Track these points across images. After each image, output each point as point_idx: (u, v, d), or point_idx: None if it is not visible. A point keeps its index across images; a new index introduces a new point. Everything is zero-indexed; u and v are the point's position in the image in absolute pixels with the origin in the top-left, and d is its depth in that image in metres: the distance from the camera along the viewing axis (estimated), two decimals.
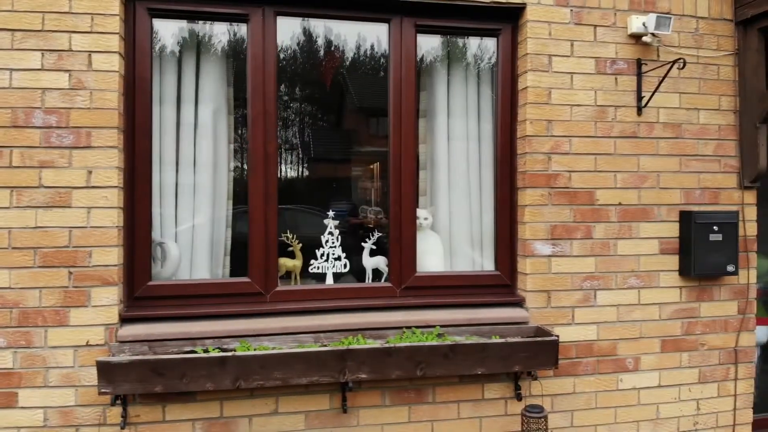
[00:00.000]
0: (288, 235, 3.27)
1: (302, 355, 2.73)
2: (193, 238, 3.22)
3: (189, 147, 3.22)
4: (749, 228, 3.56)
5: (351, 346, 2.78)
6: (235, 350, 2.84)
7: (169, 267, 3.11)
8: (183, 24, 3.19)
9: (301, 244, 3.29)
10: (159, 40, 3.16)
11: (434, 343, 2.88)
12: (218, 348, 2.88)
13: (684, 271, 3.43)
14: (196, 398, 2.87)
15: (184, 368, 2.66)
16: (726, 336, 3.53)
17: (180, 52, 3.23)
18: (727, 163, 3.55)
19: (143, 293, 2.96)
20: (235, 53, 3.33)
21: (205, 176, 3.24)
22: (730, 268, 3.42)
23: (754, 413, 3.64)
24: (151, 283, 2.99)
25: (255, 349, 2.85)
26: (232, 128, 3.38)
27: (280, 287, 3.13)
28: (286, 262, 3.24)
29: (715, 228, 3.40)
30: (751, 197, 3.59)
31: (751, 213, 3.58)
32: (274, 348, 2.87)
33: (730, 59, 3.57)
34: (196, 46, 3.25)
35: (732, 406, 3.55)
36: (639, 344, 3.40)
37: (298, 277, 3.27)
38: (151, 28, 3.03)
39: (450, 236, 3.56)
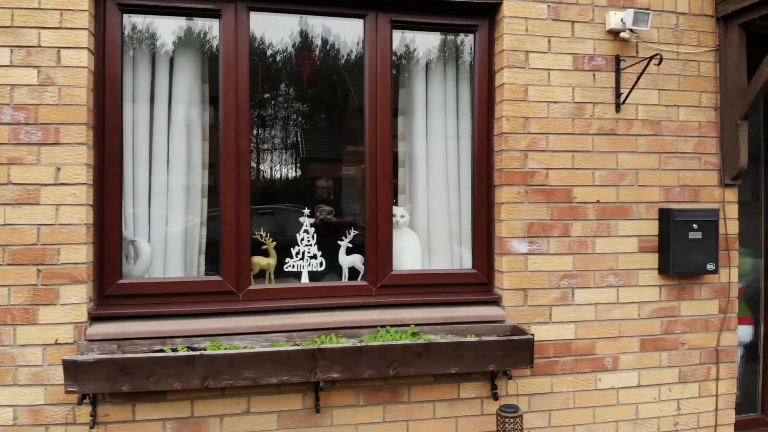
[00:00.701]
0: (261, 233, 3.24)
1: (272, 355, 2.71)
2: (167, 236, 3.20)
3: (162, 144, 3.19)
4: (730, 226, 3.53)
5: (322, 345, 2.75)
6: (205, 349, 2.82)
7: (140, 265, 3.09)
8: (154, 19, 3.16)
9: (275, 243, 3.26)
10: (130, 36, 3.13)
11: (407, 341, 2.86)
12: (188, 347, 2.85)
13: (663, 270, 3.40)
14: (167, 397, 2.85)
15: (151, 367, 2.63)
16: (707, 335, 3.50)
17: (152, 47, 3.20)
18: (707, 160, 3.52)
19: (114, 291, 2.94)
20: (208, 49, 3.30)
21: (178, 174, 3.21)
22: (710, 266, 3.39)
23: (737, 414, 3.61)
24: (121, 281, 2.96)
25: (226, 349, 2.83)
26: (207, 125, 3.35)
27: (253, 286, 3.11)
28: (259, 261, 3.21)
29: (695, 226, 3.37)
30: (732, 195, 3.55)
31: (732, 211, 3.55)
32: (245, 347, 2.85)
33: (710, 55, 3.54)
34: (169, 41, 3.23)
35: (713, 406, 3.52)
36: (618, 343, 3.37)
37: (272, 276, 3.24)
38: (122, 23, 3.01)
39: (428, 234, 3.53)
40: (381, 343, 2.80)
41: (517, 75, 3.26)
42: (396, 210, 3.33)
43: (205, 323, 2.94)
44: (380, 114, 3.25)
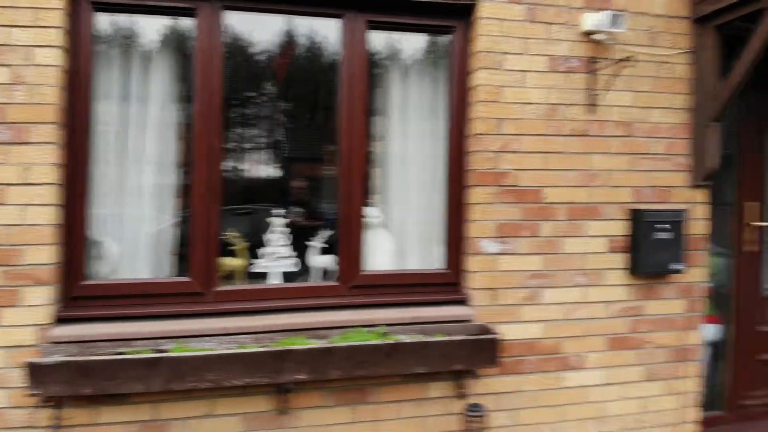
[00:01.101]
0: (231, 233, 3.22)
1: (237, 357, 2.70)
2: (137, 236, 3.16)
3: (133, 143, 3.13)
4: (699, 227, 3.57)
5: (289, 347, 2.76)
6: (169, 351, 2.81)
7: (108, 266, 3.05)
8: (128, 18, 3.08)
9: (245, 243, 3.24)
10: (103, 34, 3.06)
11: (375, 342, 2.87)
12: (153, 349, 2.84)
13: (631, 269, 3.44)
14: (131, 400, 2.83)
15: (113, 370, 2.61)
16: (673, 334, 3.56)
17: (125, 46, 3.13)
18: (678, 161, 3.55)
19: (79, 293, 2.90)
20: (183, 47, 3.23)
21: (150, 173, 3.16)
22: (677, 266, 3.43)
23: (704, 411, 3.69)
24: (87, 282, 2.93)
25: (191, 350, 2.82)
26: (180, 124, 3.29)
27: (222, 287, 3.09)
28: (229, 262, 3.19)
29: (663, 226, 3.40)
30: (701, 196, 3.59)
31: (701, 212, 3.59)
32: (210, 349, 2.84)
33: (685, 57, 3.55)
34: (142, 40, 3.15)
35: (679, 404, 3.59)
36: (585, 342, 3.41)
37: (242, 277, 3.23)
38: (95, 22, 2.94)
39: (401, 235, 3.53)
40: (349, 343, 2.81)
41: (493, 76, 3.24)
42: (369, 211, 3.32)
43: (172, 325, 2.93)
44: (355, 114, 3.22)
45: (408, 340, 2.91)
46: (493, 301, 3.26)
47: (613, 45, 3.40)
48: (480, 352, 2.96)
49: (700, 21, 3.51)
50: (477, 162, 3.24)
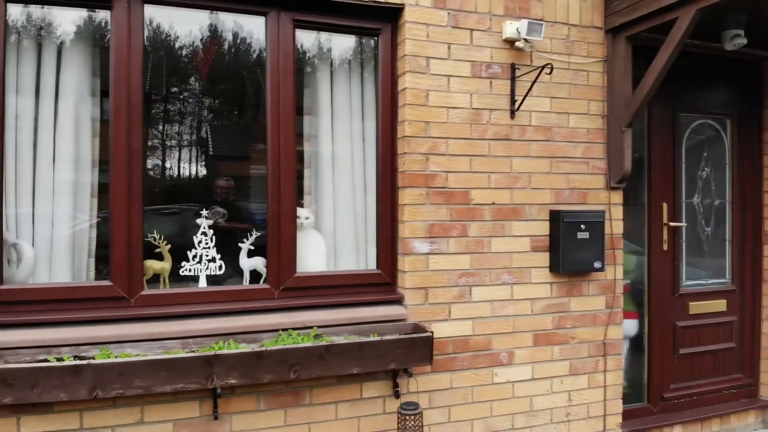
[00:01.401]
0: (155, 235, 3.12)
1: (165, 362, 2.61)
2: (53, 238, 3.01)
3: (48, 141, 2.99)
4: (615, 226, 3.77)
5: (219, 352, 2.69)
6: (93, 358, 2.68)
7: (23, 270, 2.89)
8: (41, 9, 2.96)
9: (169, 245, 3.14)
10: (14, 26, 2.93)
11: (308, 344, 2.85)
12: (75, 356, 2.71)
13: (554, 268, 3.58)
14: (54, 409, 2.67)
15: (34, 378, 2.48)
16: (595, 329, 3.72)
17: (39, 38, 3.00)
18: (595, 165, 3.75)
19: None
20: (100, 41, 3.14)
21: (65, 172, 3.03)
22: (597, 264, 3.61)
23: (625, 403, 3.86)
24: (3, 287, 2.76)
25: (116, 357, 2.70)
26: (98, 121, 3.18)
27: (146, 291, 2.99)
28: (153, 265, 3.09)
29: (583, 226, 3.57)
30: (617, 197, 3.80)
31: (617, 212, 3.79)
32: (136, 355, 2.73)
33: (599, 65, 3.77)
34: (56, 32, 3.04)
35: (602, 396, 3.75)
36: (513, 338, 3.52)
37: (167, 281, 3.13)
38: (5, 12, 2.81)
39: (334, 235, 3.53)
40: (281, 347, 2.78)
41: (419, 80, 3.32)
42: (300, 211, 3.31)
43: (95, 331, 2.80)
44: (283, 113, 3.21)
45: (342, 341, 2.90)
46: (425, 300, 3.31)
47: (532, 52, 3.57)
48: (414, 351, 2.99)
49: (612, 31, 3.74)
50: (407, 164, 3.30)
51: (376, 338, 2.96)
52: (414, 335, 3.02)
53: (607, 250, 3.71)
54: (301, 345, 2.82)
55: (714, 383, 4.43)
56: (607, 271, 3.72)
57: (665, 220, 4.24)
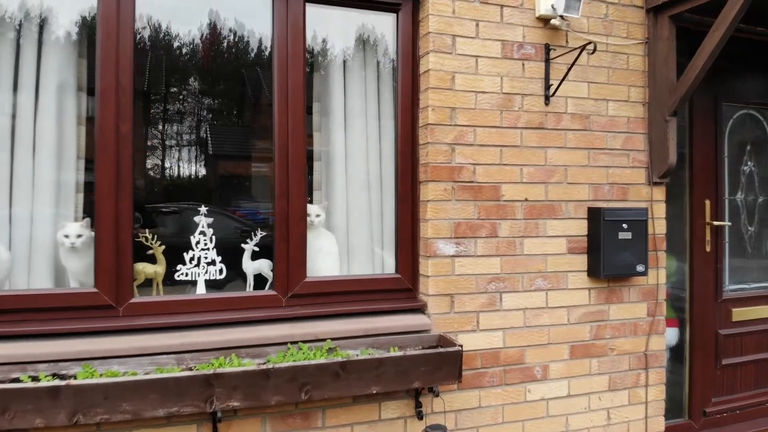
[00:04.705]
0: (147, 235, 2.75)
1: (157, 383, 2.25)
2: (31, 240, 2.64)
3: (27, 129, 2.64)
4: (658, 226, 3.41)
5: (219, 370, 2.32)
6: (75, 377, 2.32)
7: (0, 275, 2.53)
8: None
9: (163, 246, 2.77)
10: None
11: (322, 360, 2.48)
12: (54, 374, 2.34)
13: (593, 272, 3.22)
14: None
15: (6, 401, 2.11)
16: (636, 340, 3.36)
17: (14, 15, 2.64)
18: (635, 157, 3.38)
19: None
20: (88, 17, 2.77)
21: (47, 165, 2.67)
22: (640, 268, 3.24)
23: (668, 419, 3.50)
24: None
25: (101, 375, 2.34)
26: (84, 107, 2.82)
27: (137, 298, 2.62)
28: (145, 268, 2.72)
29: (625, 226, 3.21)
30: (660, 193, 3.44)
31: (660, 210, 3.43)
32: (124, 374, 2.37)
33: (640, 48, 3.41)
34: (35, 6, 2.67)
35: (643, 414, 3.38)
36: (547, 351, 3.15)
37: (160, 286, 2.76)
38: None
39: (347, 235, 3.16)
40: (291, 363, 2.41)
41: (444, 61, 2.96)
42: (310, 208, 2.95)
43: (77, 344, 2.44)
44: (292, 98, 2.85)
45: (360, 357, 2.53)
46: (451, 308, 2.95)
47: (567, 32, 3.21)
48: (442, 367, 2.62)
49: (654, 11, 3.38)
50: (430, 155, 2.93)
51: (398, 353, 2.59)
52: (441, 350, 2.65)
53: (650, 251, 3.34)
54: (313, 362, 2.45)
55: (756, 396, 4.09)
56: (649, 275, 3.35)
57: (708, 219, 3.88)
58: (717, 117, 3.98)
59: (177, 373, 2.29)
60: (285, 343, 2.66)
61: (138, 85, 2.78)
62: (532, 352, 3.11)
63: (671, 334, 3.74)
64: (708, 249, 3.87)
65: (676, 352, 3.84)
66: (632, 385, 3.35)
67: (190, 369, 2.43)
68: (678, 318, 3.85)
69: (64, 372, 2.39)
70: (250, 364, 2.46)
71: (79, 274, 2.65)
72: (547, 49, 3.16)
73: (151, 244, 2.74)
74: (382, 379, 2.55)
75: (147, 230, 2.77)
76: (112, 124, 2.60)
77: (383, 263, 3.15)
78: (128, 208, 2.61)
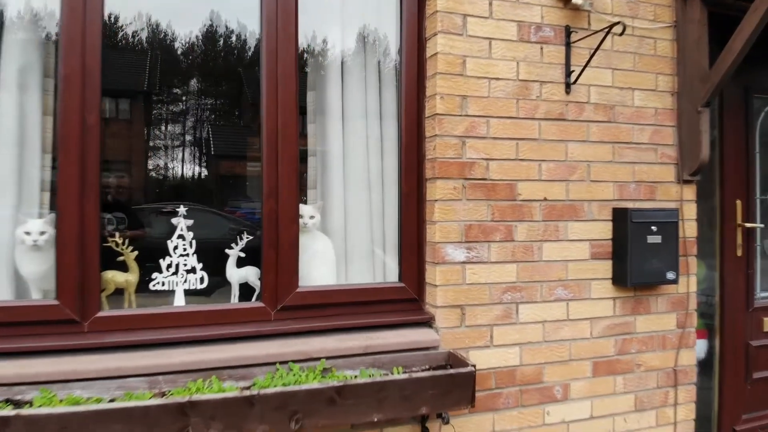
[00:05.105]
0: (117, 239, 2.42)
1: (122, 412, 1.92)
2: None
3: None
4: (688, 228, 3.09)
5: (195, 397, 1.99)
6: (31, 403, 2.00)
7: None
8: None
9: (136, 252, 2.45)
10: None
11: (315, 385, 2.15)
12: (8, 399, 2.02)
13: (618, 280, 2.89)
14: None
15: None
16: (664, 354, 3.04)
17: None
18: (664, 152, 3.06)
19: None
20: None
21: (5, 161, 2.35)
22: (671, 275, 2.92)
23: None
24: None
25: (60, 402, 2.02)
26: (51, 95, 2.49)
27: (105, 312, 2.30)
28: (114, 277, 2.39)
29: (654, 228, 2.89)
30: (690, 192, 3.12)
31: (690, 211, 3.11)
32: (87, 400, 2.04)
33: (668, 32, 3.09)
34: None
35: None
36: (568, 368, 2.83)
37: (132, 297, 2.44)
38: None
39: (345, 239, 2.84)
40: (279, 389, 2.08)
41: (454, 43, 2.63)
42: (303, 209, 2.63)
43: (35, 365, 2.11)
44: (282, 80, 2.52)
45: (358, 381, 2.20)
46: (462, 321, 2.62)
47: (590, 13, 2.88)
48: (452, 391, 2.30)
49: None
50: (438, 149, 2.61)
51: (403, 376, 2.26)
52: (452, 371, 2.32)
53: (680, 257, 3.02)
54: (305, 386, 2.12)
55: None
56: (680, 282, 3.03)
57: (739, 221, 3.55)
58: (747, 110, 3.65)
59: (146, 401, 1.97)
60: (273, 363, 2.33)
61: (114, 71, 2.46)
62: (551, 370, 2.79)
63: (699, 346, 3.41)
64: (739, 253, 3.54)
65: (703, 366, 3.51)
66: (660, 404, 3.02)
67: (163, 394, 2.11)
68: (706, 328, 3.52)
69: (19, 397, 2.07)
70: (232, 389, 2.14)
71: (41, 281, 2.32)
72: (568, 31, 2.84)
73: (122, 249, 2.41)
74: (385, 406, 2.22)
75: (117, 234, 2.43)
76: (77, 113, 2.27)
77: (385, 271, 2.82)
78: (95, 208, 2.29)
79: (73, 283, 2.24)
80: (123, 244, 2.41)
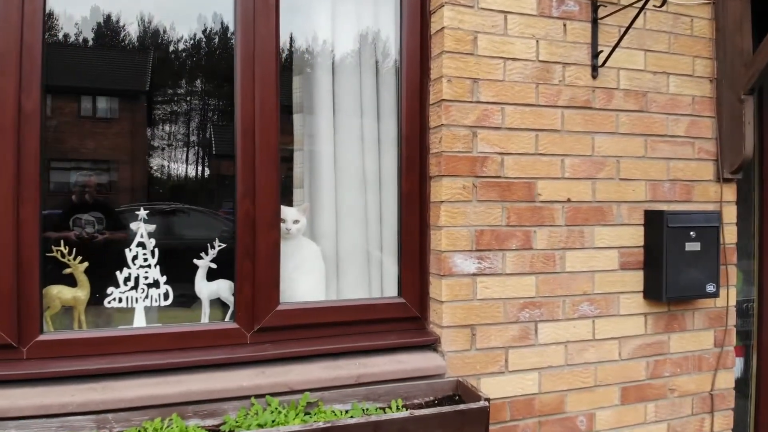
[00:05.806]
0: (62, 249, 2.03)
1: None
2: None
3: None
4: (729, 234, 2.71)
5: None
6: None
7: None
8: None
9: (86, 263, 2.06)
10: None
11: (296, 427, 1.77)
12: None
13: (651, 293, 2.52)
14: None
15: None
16: (700, 377, 2.67)
17: None
18: (702, 147, 2.68)
19: None
20: None
21: None
22: (711, 288, 2.55)
23: None
24: None
25: None
26: None
27: (46, 335, 1.91)
28: (60, 293, 2.01)
29: (692, 234, 2.51)
30: (730, 193, 2.74)
31: (730, 214, 2.73)
32: None
33: (705, 10, 2.70)
34: None
35: None
36: (593, 395, 2.45)
37: (82, 317, 2.05)
38: None
39: (336, 247, 2.46)
40: (253, 431, 1.70)
41: (463, 17, 2.25)
42: (286, 212, 2.25)
43: None
44: (260, 61, 2.14)
45: (349, 421, 1.81)
46: (472, 343, 2.25)
47: None
48: (462, 429, 1.92)
49: None
50: (444, 141, 2.22)
51: (403, 414, 1.88)
52: (462, 407, 1.94)
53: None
54: (283, 429, 1.74)
55: None
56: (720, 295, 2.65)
57: None
58: None
59: None
60: (248, 397, 1.95)
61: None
62: (574, 398, 2.41)
63: (736, 366, 3.04)
64: None
65: (739, 387, 3.14)
66: None
67: None
68: (743, 345, 3.15)
69: None
70: (197, 430, 1.76)
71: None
72: (595, 5, 2.45)
73: (68, 260, 2.02)
74: None
75: (62, 242, 2.04)
76: (11, 98, 1.89)
77: (382, 284, 2.44)
78: (34, 211, 1.91)
79: (8, 300, 1.86)
80: (69, 253, 2.02)
